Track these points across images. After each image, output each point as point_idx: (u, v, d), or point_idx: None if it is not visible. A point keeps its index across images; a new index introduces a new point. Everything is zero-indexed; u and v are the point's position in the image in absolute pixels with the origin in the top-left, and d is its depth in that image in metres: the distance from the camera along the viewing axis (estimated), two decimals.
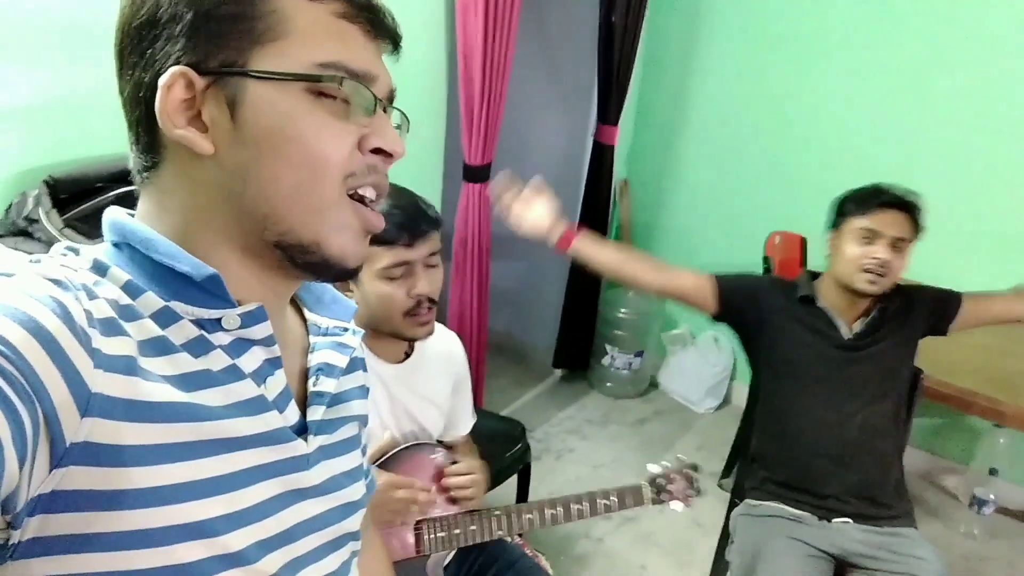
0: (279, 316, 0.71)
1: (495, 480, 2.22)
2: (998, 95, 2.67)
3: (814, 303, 1.90)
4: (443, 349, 1.57)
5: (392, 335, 1.40)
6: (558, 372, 3.72)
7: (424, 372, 1.51)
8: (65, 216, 1.39)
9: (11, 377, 0.47)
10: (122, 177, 1.47)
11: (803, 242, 2.89)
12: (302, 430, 0.70)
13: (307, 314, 0.80)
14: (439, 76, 2.40)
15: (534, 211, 1.87)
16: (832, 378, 1.86)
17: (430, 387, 1.54)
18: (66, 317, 0.52)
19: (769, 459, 1.94)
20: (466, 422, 1.67)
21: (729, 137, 3.35)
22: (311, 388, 0.73)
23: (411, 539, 1.46)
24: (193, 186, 0.62)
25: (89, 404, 0.52)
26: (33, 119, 1.46)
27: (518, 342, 3.86)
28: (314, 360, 0.75)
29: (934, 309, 1.88)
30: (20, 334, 0.49)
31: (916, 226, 1.81)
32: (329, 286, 0.83)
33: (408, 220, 1.34)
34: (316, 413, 0.72)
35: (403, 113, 0.72)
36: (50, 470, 0.51)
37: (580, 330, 3.59)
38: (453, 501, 1.51)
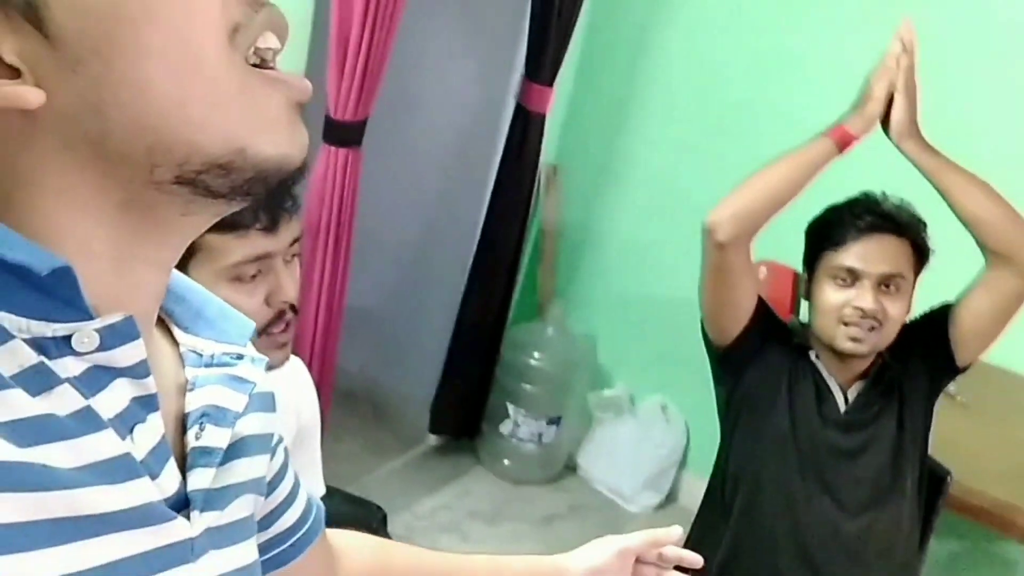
0: (149, 334, 0.69)
1: None
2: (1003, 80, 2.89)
3: (808, 358, 1.98)
4: (290, 384, 1.57)
5: None
6: (434, 439, 3.74)
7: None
8: None
9: None
10: None
11: (796, 279, 3.00)
12: (183, 504, 0.68)
13: (179, 336, 0.78)
14: (302, 5, 2.41)
15: None
16: (826, 465, 1.93)
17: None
18: None
19: (736, 567, 1.99)
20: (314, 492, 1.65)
21: (705, 117, 3.43)
22: (192, 443, 0.71)
23: None
24: (31, 153, 0.61)
25: None
26: None
27: (379, 389, 3.86)
28: (195, 402, 0.73)
29: (926, 340, 1.95)
30: None
31: (917, 253, 1.90)
32: (212, 295, 0.82)
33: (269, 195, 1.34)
34: (202, 479, 0.70)
35: None
36: None
37: (472, 380, 3.62)
38: None
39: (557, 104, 3.42)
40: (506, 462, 3.65)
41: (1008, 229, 1.78)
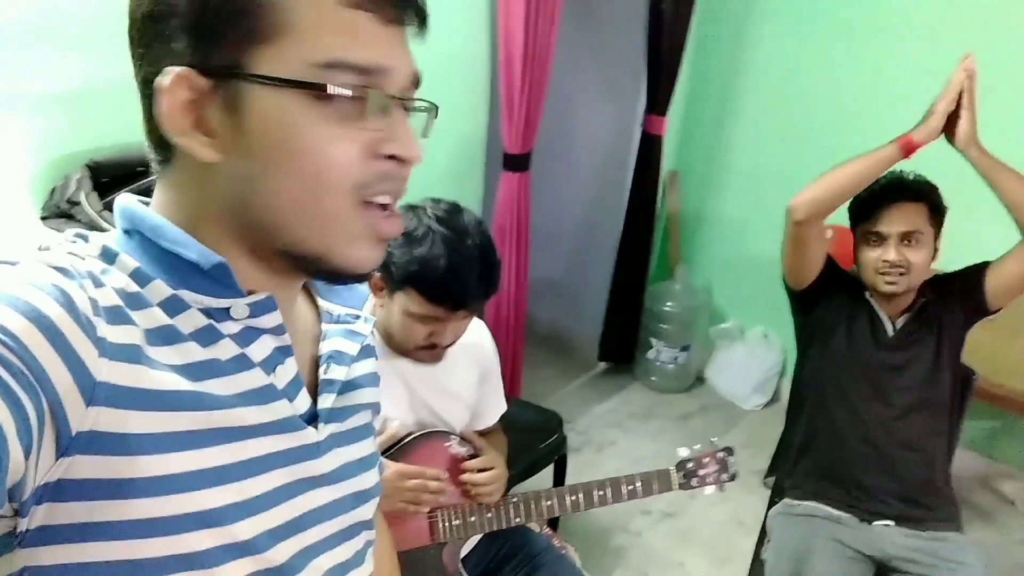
0: (289, 304, 0.70)
1: (529, 470, 2.22)
2: None
3: (864, 298, 1.86)
4: (468, 340, 1.55)
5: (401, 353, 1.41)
6: (602, 364, 3.70)
7: (445, 365, 1.48)
8: (105, 199, 1.44)
9: (14, 367, 0.47)
10: None
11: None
12: (312, 418, 0.70)
13: (319, 301, 0.79)
14: (481, 64, 2.40)
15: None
16: (878, 375, 1.82)
17: (453, 380, 1.52)
18: (69, 306, 0.52)
19: (811, 456, 1.91)
20: (493, 412, 1.65)
21: (781, 127, 3.27)
22: (322, 376, 0.72)
23: (426, 526, 1.46)
24: (201, 189, 0.61)
25: (94, 393, 0.52)
26: (77, 104, 1.51)
27: (563, 333, 3.85)
28: (325, 348, 0.75)
29: (964, 290, 1.80)
30: (22, 323, 0.49)
31: (933, 213, 1.75)
32: None
33: (460, 290, 1.30)
34: (327, 401, 0.71)
35: (430, 103, 0.68)
36: (56, 459, 0.52)
37: (625, 323, 3.57)
38: (467, 494, 1.49)
39: (671, 126, 3.32)
40: (653, 378, 3.57)
41: None
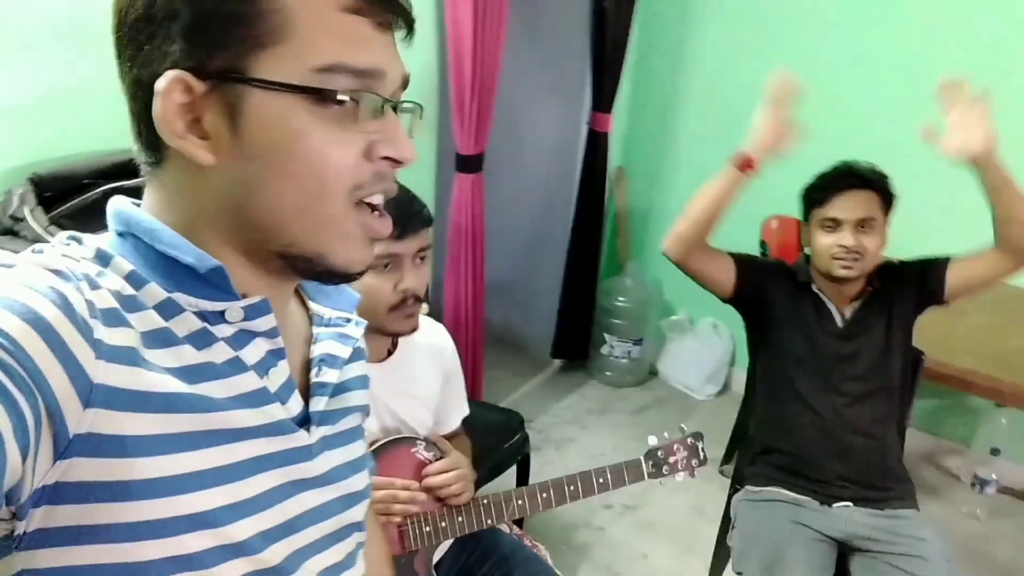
0: (282, 307, 0.70)
1: (494, 471, 2.22)
2: (994, 70, 2.66)
3: (810, 288, 1.89)
4: (430, 342, 1.54)
5: (376, 331, 1.36)
6: (557, 362, 3.72)
7: (408, 369, 1.47)
8: (51, 214, 1.39)
9: (10, 369, 0.47)
10: (109, 173, 1.46)
11: (800, 226, 2.88)
12: (304, 421, 0.70)
13: (310, 304, 0.79)
14: (430, 67, 2.39)
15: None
16: (828, 365, 1.85)
17: (416, 384, 1.51)
18: (66, 307, 0.52)
19: (768, 445, 1.94)
20: (456, 416, 1.64)
21: (724, 121, 3.29)
22: (313, 379, 0.73)
23: (396, 535, 1.43)
24: (195, 190, 0.61)
25: (91, 395, 0.52)
26: (18, 116, 1.45)
27: (516, 333, 3.86)
28: (316, 351, 0.75)
29: (922, 278, 1.83)
30: (18, 325, 0.48)
31: (884, 200, 1.79)
32: None
33: (400, 213, 1.32)
34: (318, 404, 0.72)
35: (416, 103, 0.70)
36: (54, 461, 0.52)
37: (578, 320, 3.59)
38: (438, 499, 1.47)
39: (616, 124, 3.36)
40: (608, 373, 3.60)
41: None
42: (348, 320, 0.80)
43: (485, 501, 1.49)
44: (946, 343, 2.25)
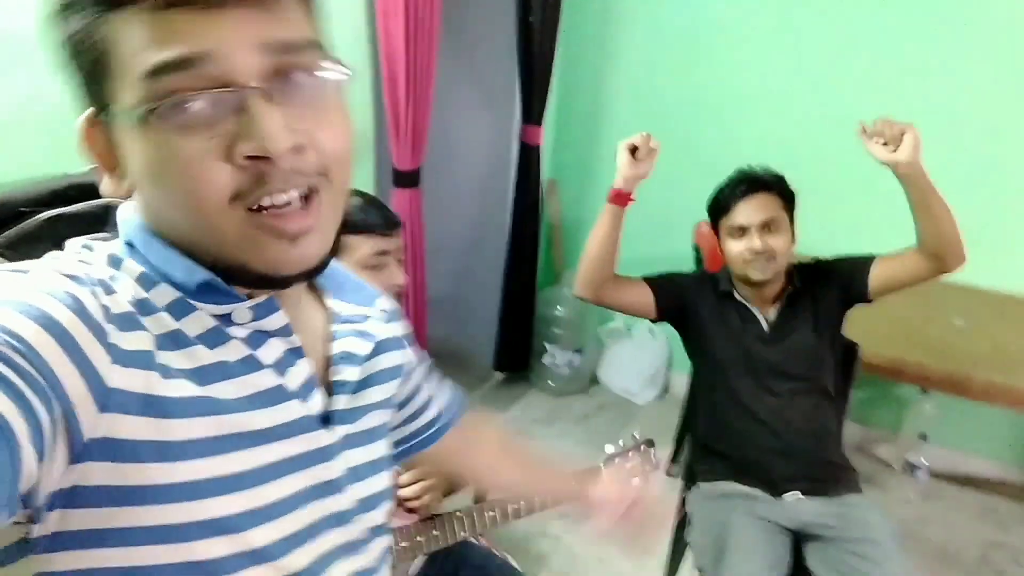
0: (292, 305, 0.69)
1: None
2: (911, 77, 2.82)
3: (733, 297, 1.95)
4: None
5: None
6: (499, 374, 3.73)
7: None
8: None
9: (26, 373, 0.47)
10: (48, 200, 1.40)
11: None
12: (326, 420, 0.69)
13: (328, 302, 0.78)
14: (364, 82, 2.38)
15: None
16: (759, 368, 1.90)
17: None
18: (81, 312, 0.52)
19: (712, 447, 1.98)
20: None
21: (651, 130, 3.38)
22: (333, 377, 0.72)
23: None
24: (158, 220, 0.63)
25: (107, 400, 0.52)
26: None
27: (457, 346, 3.84)
28: (336, 348, 0.74)
29: (846, 276, 1.88)
30: (35, 330, 0.49)
31: (785, 200, 1.85)
32: (350, 273, 0.82)
33: (383, 208, 1.37)
34: (339, 403, 0.71)
35: (314, 68, 0.58)
36: (69, 465, 0.52)
37: (519, 331, 3.60)
38: (411, 511, 1.48)
39: (546, 136, 3.40)
40: (550, 382, 3.63)
41: (952, 243, 1.70)
42: (367, 316, 0.79)
43: (459, 514, 1.50)
44: (873, 334, 2.33)
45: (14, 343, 0.47)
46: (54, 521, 0.53)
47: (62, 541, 0.53)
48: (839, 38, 2.91)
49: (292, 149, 0.55)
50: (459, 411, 1.03)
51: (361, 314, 0.78)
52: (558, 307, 3.57)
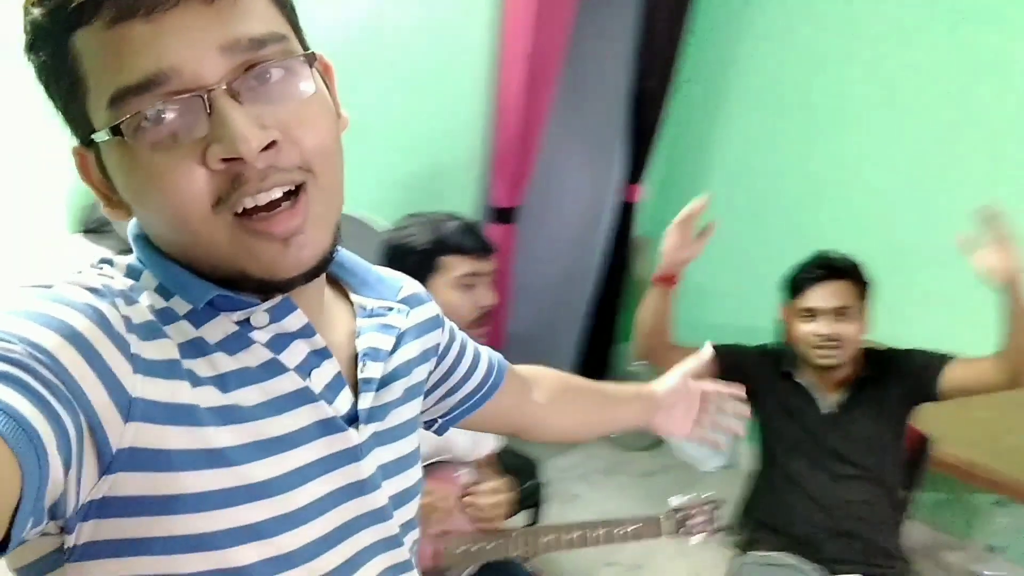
0: (312, 305, 0.67)
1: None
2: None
3: (793, 378, 1.94)
4: None
5: None
6: None
7: None
8: None
9: (51, 384, 0.47)
10: None
11: None
12: (353, 419, 0.68)
13: (353, 297, 0.76)
14: (476, 122, 2.54)
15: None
16: (817, 452, 1.89)
17: None
18: (103, 323, 0.53)
19: (767, 521, 1.98)
20: (489, 440, 1.73)
21: (749, 201, 3.43)
22: (359, 375, 0.70)
23: (429, 551, 1.50)
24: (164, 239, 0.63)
25: (131, 409, 0.53)
26: None
27: None
28: (361, 345, 0.72)
29: (917, 372, 1.85)
30: (57, 341, 0.49)
31: (859, 288, 1.85)
32: (372, 266, 0.80)
33: (479, 234, 1.48)
34: (365, 401, 0.69)
35: (265, 63, 0.56)
36: (100, 477, 0.52)
37: (592, 380, 3.62)
38: (475, 521, 1.55)
39: (647, 193, 3.48)
40: (617, 436, 3.62)
41: None
42: (390, 309, 0.77)
43: (516, 533, 1.56)
44: (950, 431, 2.24)
45: (37, 354, 0.48)
46: (88, 531, 0.53)
47: (97, 550, 0.54)
48: (957, 110, 2.86)
49: (265, 147, 0.54)
50: (502, 370, 0.99)
51: (384, 307, 0.77)
52: (633, 363, 3.60)
